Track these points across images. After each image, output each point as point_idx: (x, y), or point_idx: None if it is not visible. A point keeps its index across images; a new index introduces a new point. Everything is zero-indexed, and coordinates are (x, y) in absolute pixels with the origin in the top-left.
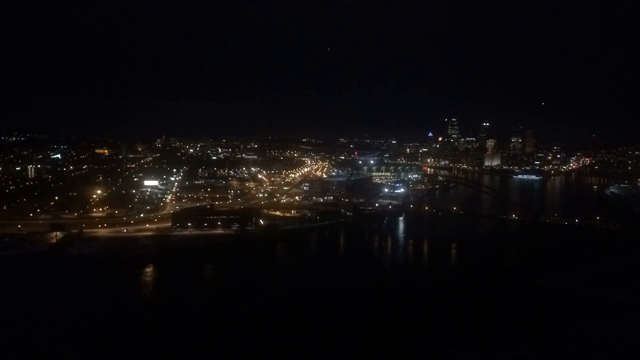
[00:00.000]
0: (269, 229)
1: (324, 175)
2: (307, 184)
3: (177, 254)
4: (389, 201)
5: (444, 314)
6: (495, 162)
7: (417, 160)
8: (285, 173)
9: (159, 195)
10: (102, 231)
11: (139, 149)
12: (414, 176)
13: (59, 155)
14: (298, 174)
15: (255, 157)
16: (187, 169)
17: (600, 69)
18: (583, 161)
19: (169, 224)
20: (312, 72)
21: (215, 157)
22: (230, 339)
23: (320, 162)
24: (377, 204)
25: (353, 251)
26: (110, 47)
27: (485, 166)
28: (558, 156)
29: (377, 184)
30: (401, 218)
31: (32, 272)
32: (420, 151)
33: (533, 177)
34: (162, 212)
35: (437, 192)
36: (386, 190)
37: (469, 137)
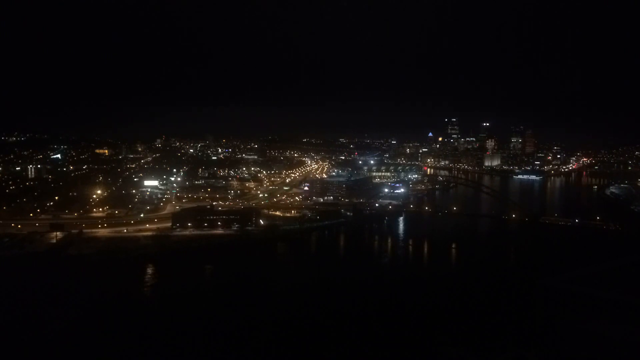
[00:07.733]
0: (269, 229)
1: (324, 175)
2: (307, 184)
3: (177, 254)
4: (389, 201)
5: (444, 314)
6: (495, 162)
7: (417, 160)
8: (285, 173)
9: (159, 195)
10: (102, 231)
11: (139, 149)
12: (414, 176)
13: (59, 155)
14: (298, 174)
15: (255, 157)
16: (187, 169)
17: (600, 69)
18: (583, 161)
19: (169, 224)
20: (312, 73)
21: (215, 157)
22: (230, 339)
23: (320, 162)
24: (377, 204)
25: (353, 251)
26: (112, 49)
27: (485, 166)
28: (558, 156)
29: (377, 184)
30: (401, 218)
31: (33, 272)
32: (420, 151)
33: (533, 177)
34: (162, 212)
35: (437, 192)
36: (386, 190)
37: (469, 137)
